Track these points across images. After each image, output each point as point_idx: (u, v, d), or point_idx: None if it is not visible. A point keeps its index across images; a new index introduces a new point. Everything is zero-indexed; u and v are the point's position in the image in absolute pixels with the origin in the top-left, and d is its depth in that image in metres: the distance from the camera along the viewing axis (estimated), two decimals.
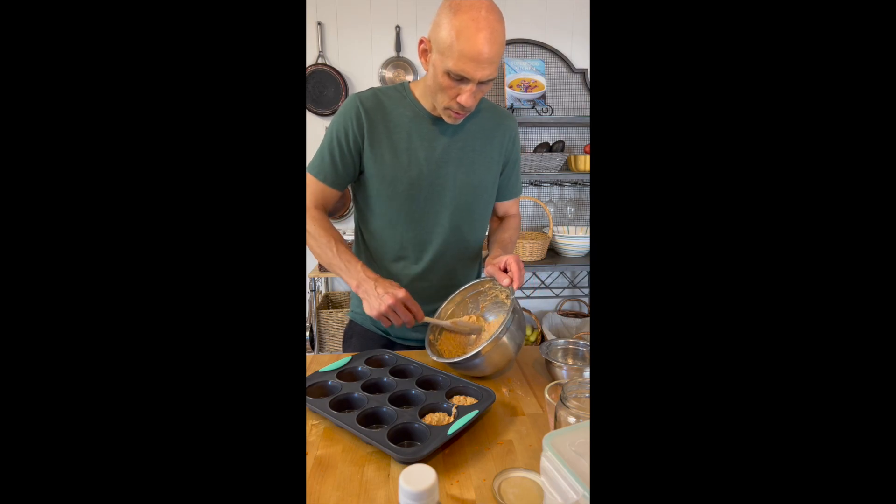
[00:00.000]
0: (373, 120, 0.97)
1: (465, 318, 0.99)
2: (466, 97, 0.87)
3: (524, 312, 1.04)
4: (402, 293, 0.88)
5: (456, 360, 0.83)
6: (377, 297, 0.88)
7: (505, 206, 1.16)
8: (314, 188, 1.00)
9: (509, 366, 0.90)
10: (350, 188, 1.06)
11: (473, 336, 0.95)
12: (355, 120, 0.96)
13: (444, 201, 1.01)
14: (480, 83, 0.87)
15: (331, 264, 0.96)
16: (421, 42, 0.90)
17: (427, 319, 0.91)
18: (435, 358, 0.88)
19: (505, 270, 0.91)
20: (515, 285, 0.89)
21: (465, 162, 1.01)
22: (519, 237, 1.63)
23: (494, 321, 0.98)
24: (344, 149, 0.97)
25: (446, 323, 0.94)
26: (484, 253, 1.11)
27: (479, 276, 1.14)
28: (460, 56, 0.82)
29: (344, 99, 2.39)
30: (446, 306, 1.00)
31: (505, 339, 0.83)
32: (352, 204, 2.50)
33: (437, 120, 0.99)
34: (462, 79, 0.85)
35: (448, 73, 0.85)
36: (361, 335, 1.10)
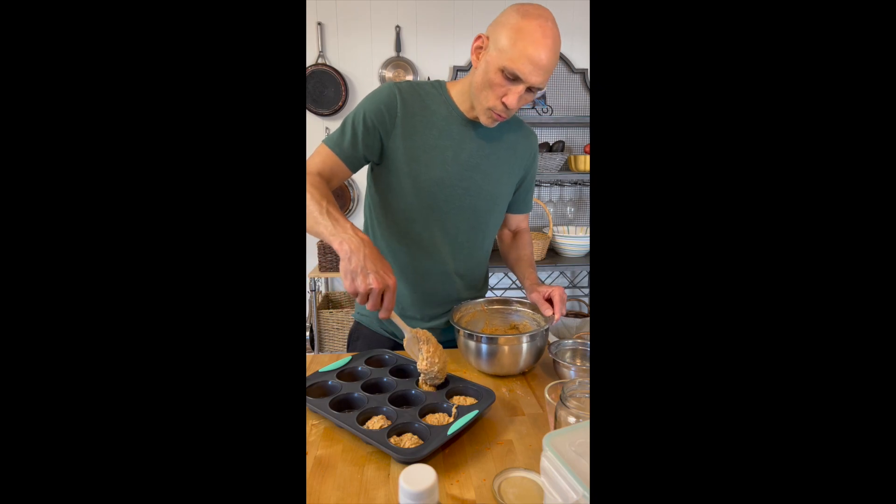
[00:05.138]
0: (409, 110, 0.96)
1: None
2: (513, 98, 0.88)
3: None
4: (392, 281, 0.78)
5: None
6: (364, 273, 0.76)
7: (517, 220, 1.19)
8: (324, 157, 0.95)
9: (511, 370, 0.90)
10: (370, 176, 1.04)
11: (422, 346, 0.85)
12: (390, 105, 0.95)
13: (463, 205, 1.01)
14: (529, 89, 0.88)
15: (316, 222, 0.84)
16: (478, 38, 0.91)
17: (395, 317, 0.84)
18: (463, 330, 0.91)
19: (549, 300, 0.97)
20: (557, 317, 0.95)
21: (489, 170, 1.02)
22: None
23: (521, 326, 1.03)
24: (370, 128, 0.95)
25: (401, 322, 0.86)
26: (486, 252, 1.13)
27: (482, 281, 1.15)
28: (521, 55, 0.84)
29: (344, 99, 2.39)
30: (467, 308, 1.02)
31: (525, 344, 0.87)
32: (352, 203, 2.52)
33: (470, 123, 0.99)
34: (515, 78, 0.86)
35: (502, 71, 0.86)
36: (367, 337, 1.10)
